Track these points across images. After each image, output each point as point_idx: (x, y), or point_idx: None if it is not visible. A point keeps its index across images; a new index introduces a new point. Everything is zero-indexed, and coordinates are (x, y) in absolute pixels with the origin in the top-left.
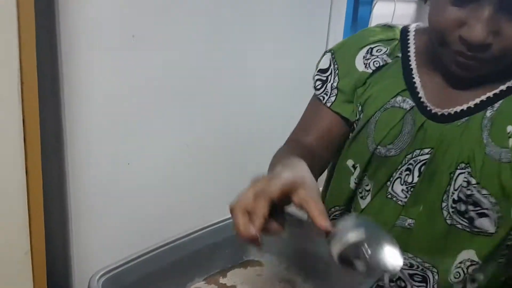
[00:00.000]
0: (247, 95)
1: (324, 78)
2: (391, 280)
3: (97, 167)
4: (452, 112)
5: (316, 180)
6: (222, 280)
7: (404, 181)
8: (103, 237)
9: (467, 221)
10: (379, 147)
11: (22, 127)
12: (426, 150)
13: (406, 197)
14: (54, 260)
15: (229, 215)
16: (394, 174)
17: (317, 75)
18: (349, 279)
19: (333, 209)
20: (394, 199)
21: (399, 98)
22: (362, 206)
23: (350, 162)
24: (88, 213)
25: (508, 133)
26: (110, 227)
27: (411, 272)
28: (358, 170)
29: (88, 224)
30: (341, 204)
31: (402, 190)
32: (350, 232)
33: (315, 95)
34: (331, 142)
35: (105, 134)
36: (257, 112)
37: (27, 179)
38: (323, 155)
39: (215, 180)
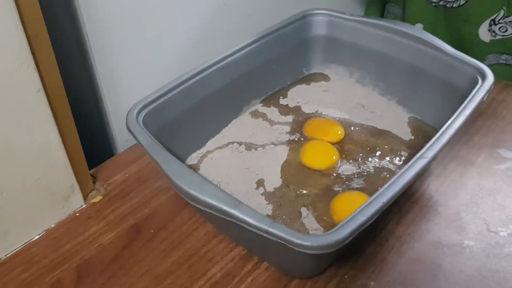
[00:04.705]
0: None
1: None
2: None
3: None
4: None
5: None
6: (282, 101)
7: None
8: (134, 65)
9: None
10: None
11: None
12: None
13: None
14: (78, 97)
15: (284, 22)
16: None
17: None
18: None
19: None
20: None
21: None
22: None
23: None
24: (109, 36)
25: None
26: (140, 53)
27: None
28: None
29: (113, 52)
30: None
31: None
32: None
33: None
34: None
35: None
36: None
37: None
38: None
39: None
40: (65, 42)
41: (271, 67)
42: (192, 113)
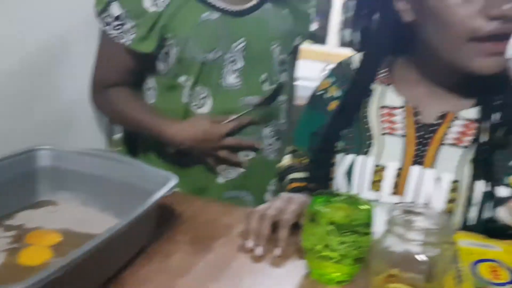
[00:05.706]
0: None
1: (117, 22)
2: None
3: None
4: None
5: None
6: (8, 222)
7: (233, 70)
8: None
9: None
10: (208, 54)
11: None
12: (241, 40)
13: (240, 81)
14: None
15: (8, 154)
16: (223, 70)
17: (106, 17)
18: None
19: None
20: (232, 87)
21: (205, 14)
22: (204, 111)
23: (182, 78)
24: None
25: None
26: None
27: None
28: (191, 81)
29: None
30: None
31: (236, 76)
32: None
33: (108, 37)
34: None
35: None
36: None
37: None
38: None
39: None
40: None
41: None
42: None
